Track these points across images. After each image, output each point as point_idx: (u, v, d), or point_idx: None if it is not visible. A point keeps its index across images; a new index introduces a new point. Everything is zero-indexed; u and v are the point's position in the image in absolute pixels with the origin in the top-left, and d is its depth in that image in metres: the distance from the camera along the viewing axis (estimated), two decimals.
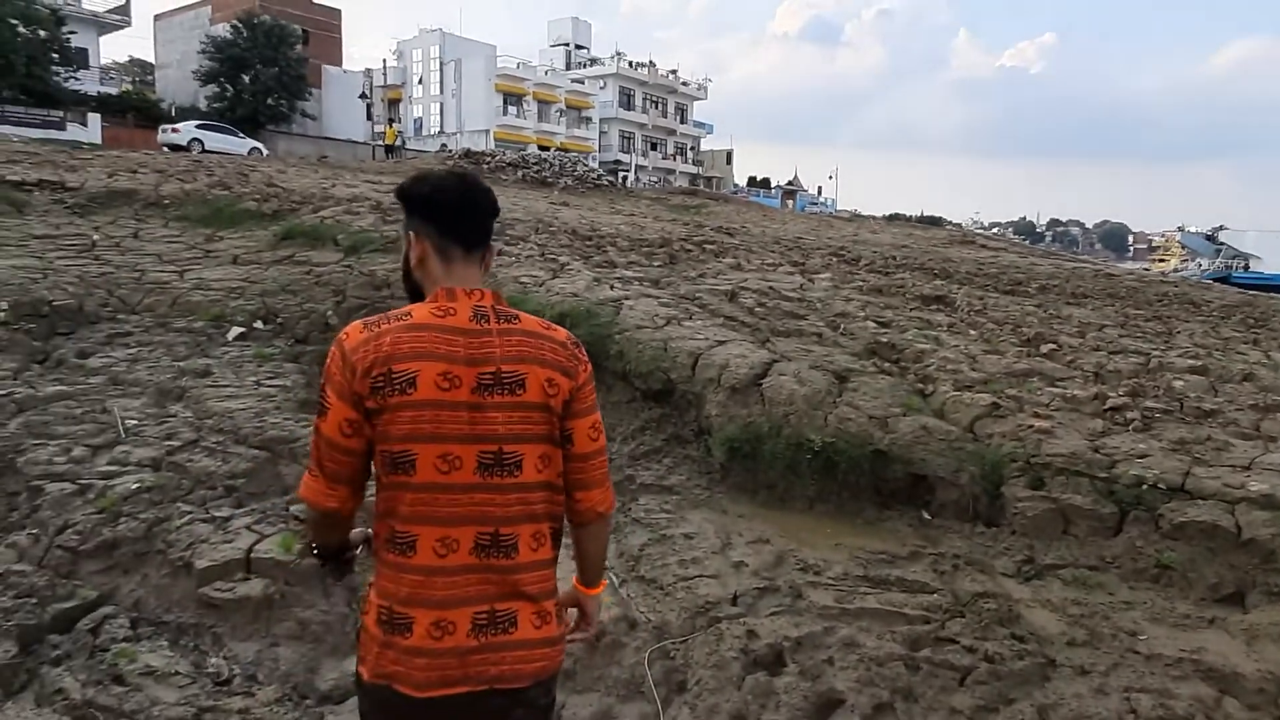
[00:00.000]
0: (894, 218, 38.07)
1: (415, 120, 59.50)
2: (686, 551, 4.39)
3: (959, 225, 47.19)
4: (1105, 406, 5.55)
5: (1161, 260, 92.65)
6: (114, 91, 40.54)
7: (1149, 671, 3.32)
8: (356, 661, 1.66)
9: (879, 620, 3.82)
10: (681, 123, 74.59)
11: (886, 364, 6.43)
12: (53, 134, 26.83)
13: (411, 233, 1.73)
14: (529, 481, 1.63)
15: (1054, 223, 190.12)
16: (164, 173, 12.53)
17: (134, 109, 37.72)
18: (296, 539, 4.20)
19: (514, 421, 1.60)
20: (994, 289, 10.64)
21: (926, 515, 4.90)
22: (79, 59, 36.72)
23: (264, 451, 5.10)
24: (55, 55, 34.40)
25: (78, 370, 6.11)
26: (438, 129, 58.00)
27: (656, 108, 71.57)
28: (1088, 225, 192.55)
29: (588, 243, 10.10)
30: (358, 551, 1.85)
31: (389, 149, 30.78)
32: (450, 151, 25.88)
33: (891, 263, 11.64)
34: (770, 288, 8.39)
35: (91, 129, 31.52)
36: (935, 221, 45.01)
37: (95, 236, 9.33)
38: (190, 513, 4.39)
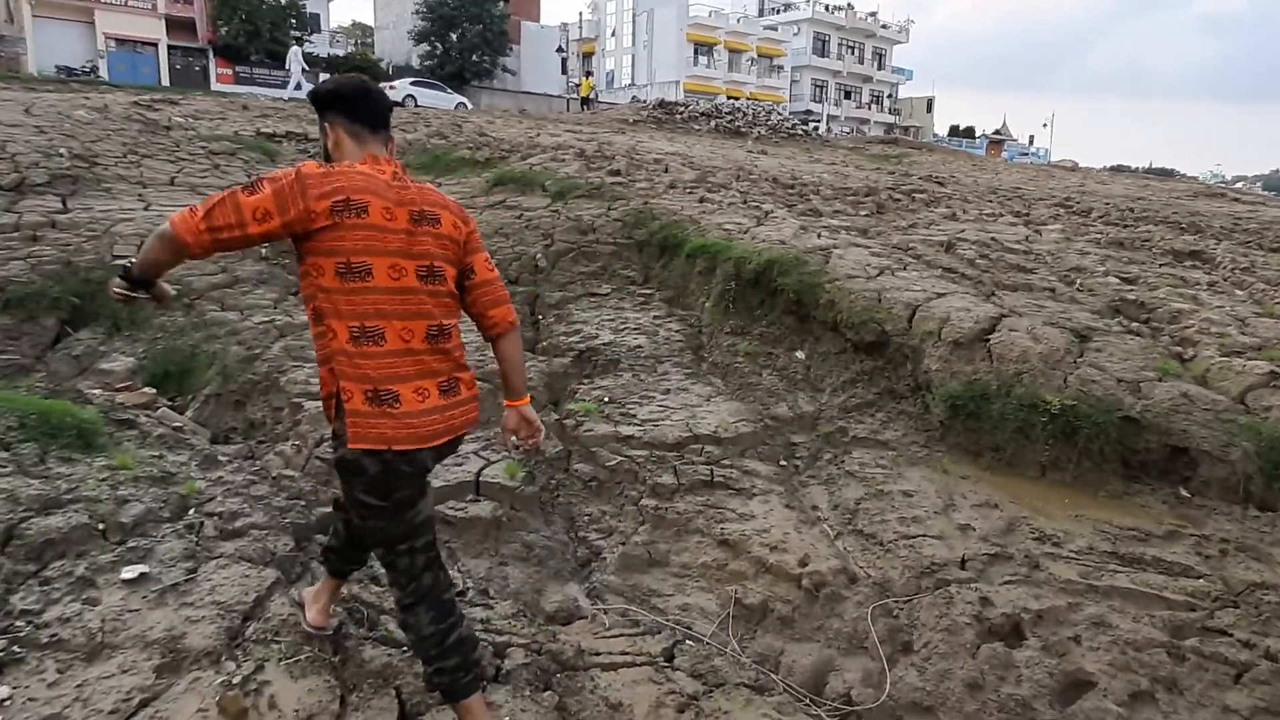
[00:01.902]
0: (1117, 169, 34.28)
1: (607, 73, 60.32)
2: (906, 509, 4.18)
3: (1195, 178, 41.72)
4: None
5: None
6: (340, 53, 44.02)
7: None
8: (342, 443, 2.11)
9: (1133, 601, 3.45)
10: (879, 69, 70.69)
11: (1134, 323, 5.77)
12: (292, 94, 29.51)
13: (326, 125, 2.24)
14: (450, 290, 2.22)
15: None
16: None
17: (357, 68, 40.73)
18: (521, 467, 4.40)
19: (436, 245, 2.16)
20: (1258, 246, 9.29)
21: (1184, 492, 4.37)
22: (313, 23, 40.15)
23: (485, 383, 5.36)
24: (294, 21, 37.80)
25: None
26: (628, 81, 58.50)
27: (852, 53, 68.19)
28: None
29: (790, 191, 9.79)
30: (151, 296, 2.16)
31: (584, 101, 31.41)
32: (643, 102, 25.99)
33: (1129, 215, 10.43)
34: (992, 239, 7.76)
35: (291, 87, 34.39)
36: (1167, 174, 40.03)
37: None
38: None
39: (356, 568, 2.73)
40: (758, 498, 4.33)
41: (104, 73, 32.58)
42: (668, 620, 3.42)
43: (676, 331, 6.58)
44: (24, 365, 5.64)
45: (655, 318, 6.88)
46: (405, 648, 2.67)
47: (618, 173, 9.96)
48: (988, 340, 5.22)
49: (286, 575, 3.15)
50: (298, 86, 23.18)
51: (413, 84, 33.67)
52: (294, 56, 24.72)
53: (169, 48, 37.81)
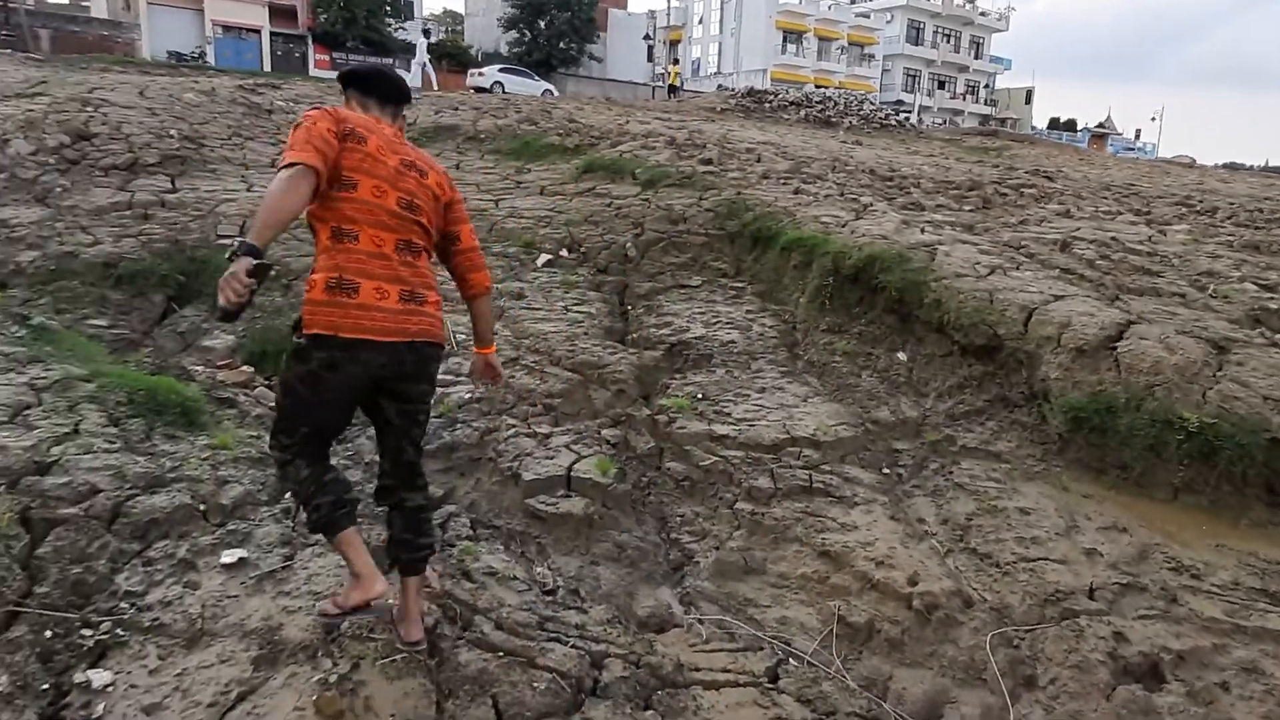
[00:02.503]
0: (1231, 166, 32.10)
1: (693, 61, 59.82)
2: (1024, 529, 3.88)
3: None
4: None
5: None
6: (433, 39, 44.81)
7: None
8: (298, 328, 2.23)
9: None
10: (975, 58, 68.08)
11: (1278, 335, 5.27)
12: None
13: (346, 97, 2.59)
14: (425, 225, 2.46)
15: None
16: (480, 110, 13.52)
17: (448, 55, 41.45)
18: (613, 463, 4.27)
19: (418, 189, 2.45)
20: None
21: None
22: (406, 10, 40.96)
23: (576, 375, 5.26)
24: (388, 8, 38.63)
25: None
26: (714, 69, 57.89)
27: (948, 42, 65.86)
28: None
29: (889, 183, 9.40)
30: (270, 272, 2.13)
31: (671, 89, 31.16)
32: (731, 90, 25.59)
33: (1259, 216, 9.65)
34: (1111, 238, 7.26)
35: (414, 74, 35.07)
36: None
37: None
38: (515, 426, 4.62)
39: (348, 495, 2.47)
40: (859, 507, 4.09)
41: (210, 58, 33.96)
42: (767, 636, 3.24)
43: (770, 327, 6.36)
44: (133, 340, 5.81)
45: (748, 312, 6.67)
46: (502, 653, 2.56)
47: (709, 161, 9.74)
48: (1114, 348, 4.83)
49: (380, 566, 3.09)
50: (422, 67, 23.86)
51: (500, 71, 33.98)
52: (420, 48, 25.43)
53: (271, 34, 39.17)
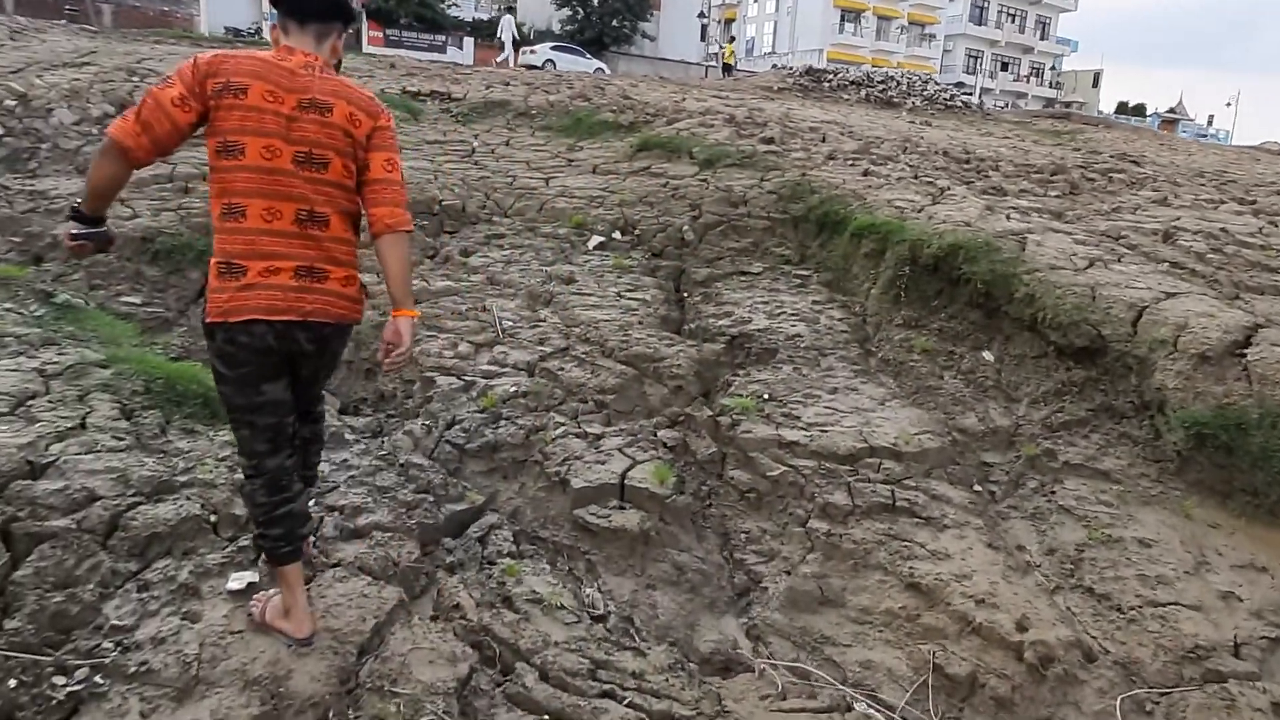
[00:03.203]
0: None
1: (747, 41, 58.59)
2: (1146, 564, 3.36)
3: None
4: None
5: None
6: (485, 17, 44.48)
7: None
8: (203, 316, 2.13)
9: None
10: (1041, 39, 65.55)
11: None
12: (436, 56, 30.00)
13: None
14: (334, 180, 2.16)
15: None
16: (531, 85, 13.10)
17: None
18: (670, 471, 3.84)
19: (322, 134, 2.12)
20: None
21: None
22: None
23: (629, 368, 4.84)
24: None
25: (461, 268, 6.34)
26: (768, 49, 56.65)
27: (1013, 22, 63.47)
28: None
29: (965, 166, 8.76)
30: (107, 243, 2.18)
31: (726, 68, 30.35)
32: (789, 69, 24.76)
33: None
34: (1220, 229, 6.57)
35: (466, 51, 34.86)
36: None
37: (474, 143, 9.89)
38: (563, 425, 4.22)
39: (299, 530, 2.31)
40: (950, 530, 3.61)
41: (266, 34, 34.03)
42: (849, 687, 2.79)
43: (839, 320, 5.85)
44: (167, 319, 5.54)
45: (814, 303, 6.16)
46: (547, 716, 2.16)
47: (771, 141, 9.20)
48: (1243, 355, 4.24)
49: (409, 591, 2.71)
50: (513, 45, 23.84)
51: (553, 48, 33.55)
52: (506, 25, 25.22)
53: None
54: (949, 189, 7.55)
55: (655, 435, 4.28)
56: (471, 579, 2.93)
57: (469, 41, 36.17)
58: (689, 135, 9.48)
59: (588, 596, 3.22)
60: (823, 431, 4.23)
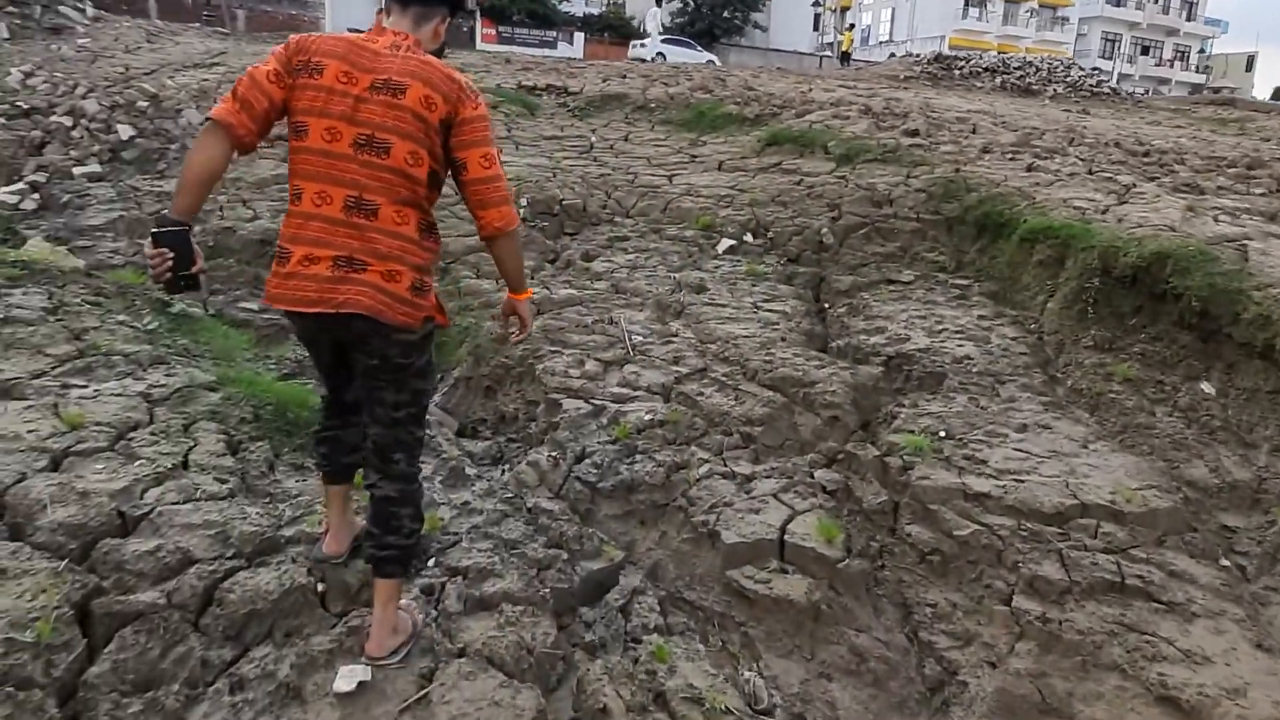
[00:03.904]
0: None
1: (863, 29, 56.54)
2: None
3: None
4: None
5: None
6: (595, 12, 44.47)
7: None
8: None
9: None
10: (1187, 20, 60.55)
11: None
12: (547, 52, 30.00)
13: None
14: (394, 166, 1.98)
15: None
16: (649, 78, 12.62)
17: (610, 27, 40.93)
18: (837, 526, 3.25)
19: (389, 117, 1.96)
20: None
21: None
22: None
23: (776, 393, 4.25)
24: None
25: (584, 274, 5.90)
26: (886, 37, 54.48)
27: (1155, 2, 58.85)
28: None
29: (1145, 159, 7.73)
30: (196, 268, 1.94)
31: (844, 56, 29.13)
32: (917, 56, 23.43)
33: None
34: None
35: (576, 46, 34.80)
36: None
37: (592, 138, 9.48)
38: (708, 462, 3.68)
39: (338, 457, 2.33)
40: (1202, 621, 2.88)
41: None
42: None
43: (1013, 339, 5.08)
44: (283, 326, 5.29)
45: (980, 318, 5.40)
46: None
47: (915, 133, 8.39)
48: None
49: (544, 685, 2.23)
50: (657, 41, 23.94)
51: (663, 41, 33.11)
52: (651, 17, 25.29)
53: None
54: (1135, 186, 6.59)
55: (812, 477, 3.69)
56: (616, 666, 2.43)
57: (579, 36, 36.12)
58: (822, 128, 8.77)
59: (747, 683, 2.68)
60: (1018, 481, 3.53)
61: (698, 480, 3.53)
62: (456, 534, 2.82)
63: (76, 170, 7.00)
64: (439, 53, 2.15)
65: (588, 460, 3.66)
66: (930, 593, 3.15)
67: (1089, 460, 3.75)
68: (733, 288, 5.85)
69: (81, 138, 7.44)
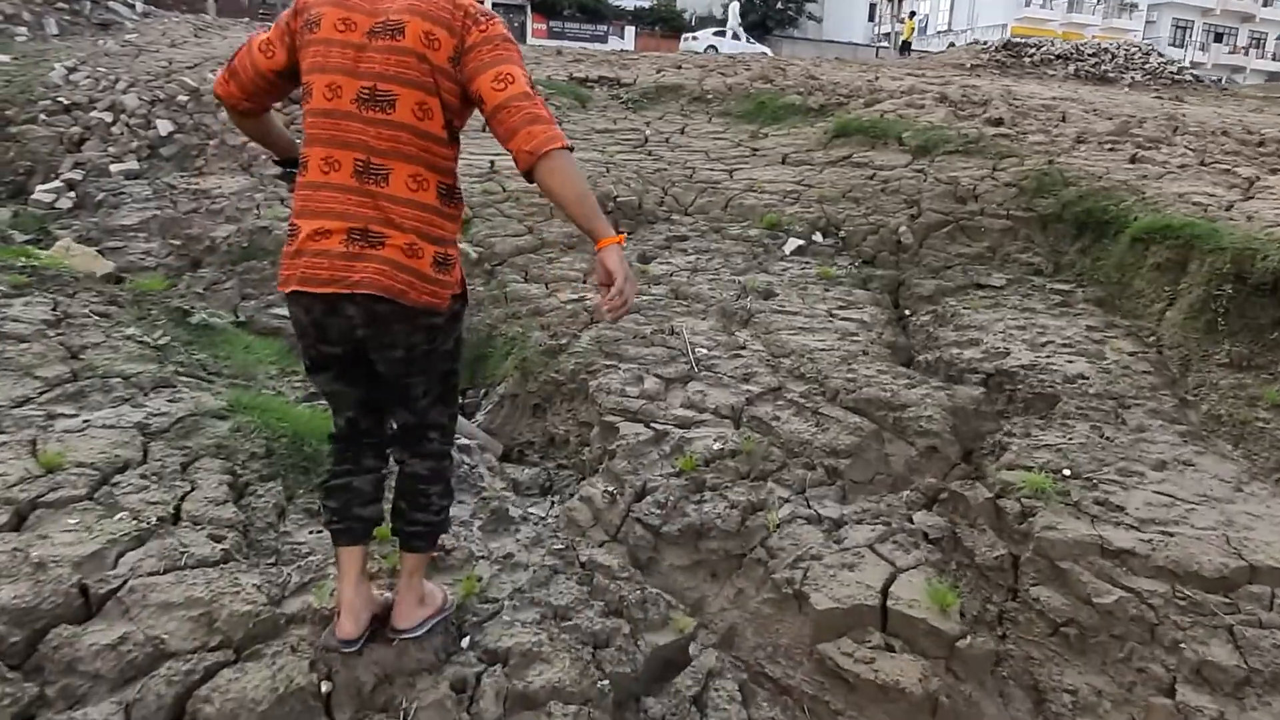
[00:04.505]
0: None
1: (921, 19, 54.97)
2: None
3: None
4: None
5: None
6: (647, 4, 43.95)
7: None
8: None
9: None
10: (1264, 5, 57.61)
11: None
12: (597, 46, 29.57)
13: None
14: (402, 122, 1.72)
15: None
16: (705, 68, 12.06)
17: (661, 20, 40.35)
18: (951, 591, 2.70)
19: (390, 64, 1.70)
20: None
21: None
22: None
23: (862, 418, 3.71)
24: None
25: (641, 277, 5.40)
26: (944, 26, 52.88)
27: None
28: None
29: (1260, 149, 6.95)
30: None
31: (905, 45, 28.11)
32: (984, 43, 22.42)
33: None
34: None
35: (627, 39, 34.37)
36: None
37: (647, 131, 8.98)
38: (789, 502, 3.16)
39: (355, 511, 2.00)
40: None
41: None
42: None
43: (1131, 355, 4.45)
44: None
45: (1089, 329, 4.77)
46: None
47: (999, 122, 7.71)
48: None
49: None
50: (735, 36, 23.87)
51: (714, 34, 32.46)
52: (733, 12, 25.21)
53: (492, 5, 40.00)
54: (1258, 179, 5.86)
55: (911, 521, 3.14)
56: None
57: (630, 30, 35.67)
58: (896, 118, 8.14)
59: None
60: (1166, 534, 2.94)
61: (778, 525, 3.01)
62: (497, 600, 2.35)
63: (114, 168, 6.74)
64: None
65: (649, 498, 3.17)
66: (1067, 675, 2.59)
67: (1247, 507, 3.13)
68: (803, 292, 5.31)
69: (121, 134, 7.20)
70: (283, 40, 1.78)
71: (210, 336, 3.75)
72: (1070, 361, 4.33)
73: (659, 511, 3.09)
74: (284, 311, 5.01)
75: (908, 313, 5.39)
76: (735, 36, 23.59)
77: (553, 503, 3.62)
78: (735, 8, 25.55)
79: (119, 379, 2.85)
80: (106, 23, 11.06)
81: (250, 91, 1.85)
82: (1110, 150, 6.79)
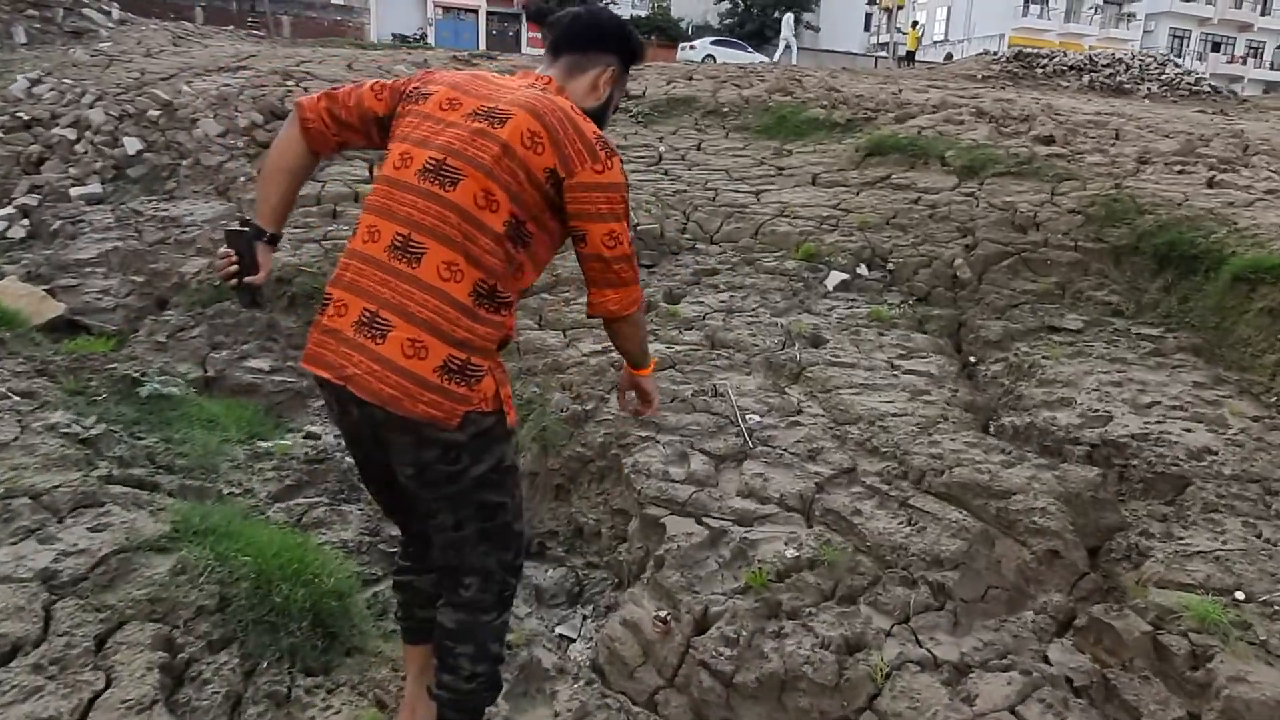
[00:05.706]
0: None
1: (919, 29, 54.70)
2: None
3: None
4: None
5: None
6: (642, 14, 43.48)
7: None
8: None
9: None
10: (1262, 14, 57.63)
11: None
12: None
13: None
14: (455, 203, 1.57)
15: None
16: (717, 79, 11.43)
17: (657, 29, 39.87)
18: None
19: (469, 143, 1.58)
20: None
21: None
22: None
23: (960, 510, 3.05)
24: None
25: (670, 321, 4.74)
26: (941, 36, 52.61)
27: None
28: None
29: None
30: (253, 278, 1.72)
31: (909, 55, 27.61)
32: (996, 54, 21.90)
33: None
34: None
35: (780, 51, 33.79)
36: None
37: (660, 148, 8.34)
38: (891, 635, 2.49)
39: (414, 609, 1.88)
40: None
41: (431, 39, 34.53)
42: None
43: (1255, 420, 3.80)
44: (299, 391, 4.23)
45: (1196, 385, 4.13)
46: None
47: (1050, 140, 7.09)
48: None
49: None
50: (786, 48, 23.69)
51: (713, 43, 32.02)
52: (787, 24, 25.17)
53: (488, 14, 39.57)
54: None
55: (1048, 662, 2.47)
56: None
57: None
58: (935, 134, 7.51)
59: None
60: None
61: (887, 676, 2.34)
62: None
63: (74, 191, 6.05)
64: (599, 117, 1.72)
65: (715, 629, 2.50)
66: None
67: None
68: (856, 338, 4.65)
69: (85, 152, 6.51)
70: (394, 94, 1.71)
71: (163, 413, 3.05)
72: (1188, 429, 3.68)
73: (729, 652, 2.41)
74: (262, 364, 4.34)
75: (973, 360, 4.74)
76: (788, 48, 23.46)
77: (584, 617, 2.95)
78: (790, 19, 25.37)
79: (26, 498, 2.15)
80: (80, 31, 10.37)
81: (335, 115, 1.72)
82: (1180, 173, 6.17)
